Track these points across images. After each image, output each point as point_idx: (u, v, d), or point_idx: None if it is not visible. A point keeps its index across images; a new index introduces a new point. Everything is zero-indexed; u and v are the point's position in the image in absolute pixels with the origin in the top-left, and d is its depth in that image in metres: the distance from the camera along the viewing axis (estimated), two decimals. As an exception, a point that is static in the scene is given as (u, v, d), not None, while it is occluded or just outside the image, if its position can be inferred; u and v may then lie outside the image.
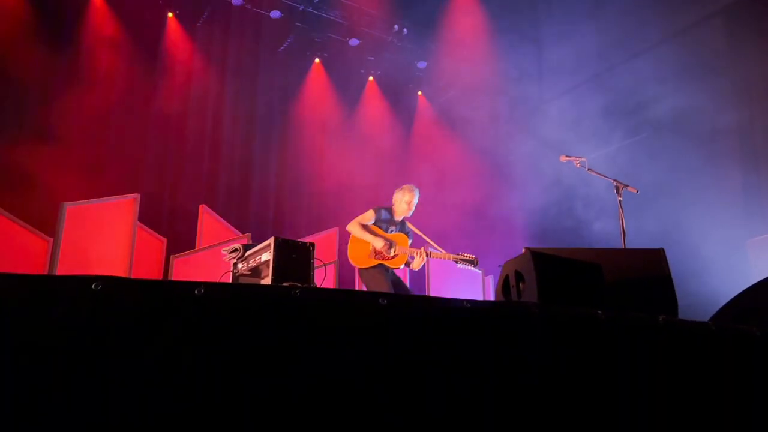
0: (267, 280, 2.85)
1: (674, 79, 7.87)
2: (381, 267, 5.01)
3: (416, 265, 5.03)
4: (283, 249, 2.79)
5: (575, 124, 7.63)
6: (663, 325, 2.46)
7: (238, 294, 1.94)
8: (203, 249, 6.03)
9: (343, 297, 2.13)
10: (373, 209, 5.16)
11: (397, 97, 10.55)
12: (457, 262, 5.02)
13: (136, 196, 5.97)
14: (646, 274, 2.83)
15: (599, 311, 2.33)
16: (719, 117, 7.92)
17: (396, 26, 9.89)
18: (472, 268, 5.12)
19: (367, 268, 5.02)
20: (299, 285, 2.39)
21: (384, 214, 5.19)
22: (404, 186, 5.29)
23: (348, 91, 10.23)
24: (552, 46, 8.33)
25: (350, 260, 5.12)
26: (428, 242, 5.19)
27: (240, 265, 3.17)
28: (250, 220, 8.35)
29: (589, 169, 4.46)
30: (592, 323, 2.33)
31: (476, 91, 9.08)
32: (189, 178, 8.69)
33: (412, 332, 2.07)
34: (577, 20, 7.94)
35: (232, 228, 6.87)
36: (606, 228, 6.72)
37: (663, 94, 8.08)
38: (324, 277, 3.25)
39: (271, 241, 2.84)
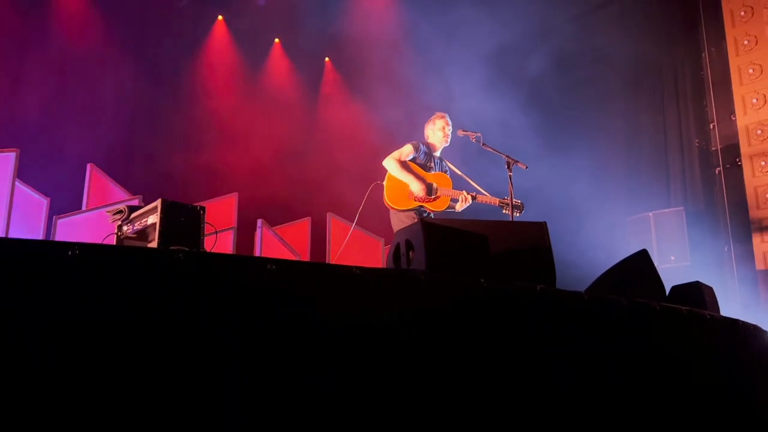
0: (153, 244, 2.74)
1: (565, 61, 8.26)
2: (417, 211, 4.62)
3: (459, 207, 4.64)
4: (170, 212, 2.69)
5: (478, 100, 7.80)
6: (540, 294, 2.62)
7: (115, 257, 1.85)
8: (89, 210, 5.72)
9: (229, 261, 2.09)
10: (411, 143, 4.69)
11: (304, 61, 10.32)
12: (502, 208, 4.57)
13: (16, 150, 5.56)
14: (529, 245, 2.98)
15: (482, 280, 2.44)
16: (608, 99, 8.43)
17: (305, -12, 9.63)
18: (517, 215, 4.54)
19: (402, 210, 4.59)
20: (185, 249, 2.32)
21: (423, 148, 4.78)
22: (433, 116, 4.94)
23: (253, 51, 9.87)
24: (459, 19, 8.43)
25: (386, 201, 4.64)
26: (471, 183, 4.77)
27: (125, 228, 3.03)
28: (144, 183, 7.91)
29: (483, 144, 4.58)
30: (475, 291, 2.44)
31: (382, 59, 9.07)
32: (77, 135, 8.11)
33: (299, 297, 2.07)
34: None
35: (123, 189, 6.53)
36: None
37: (559, 77, 8.45)
38: (214, 243, 3.18)
39: (158, 203, 2.73)
